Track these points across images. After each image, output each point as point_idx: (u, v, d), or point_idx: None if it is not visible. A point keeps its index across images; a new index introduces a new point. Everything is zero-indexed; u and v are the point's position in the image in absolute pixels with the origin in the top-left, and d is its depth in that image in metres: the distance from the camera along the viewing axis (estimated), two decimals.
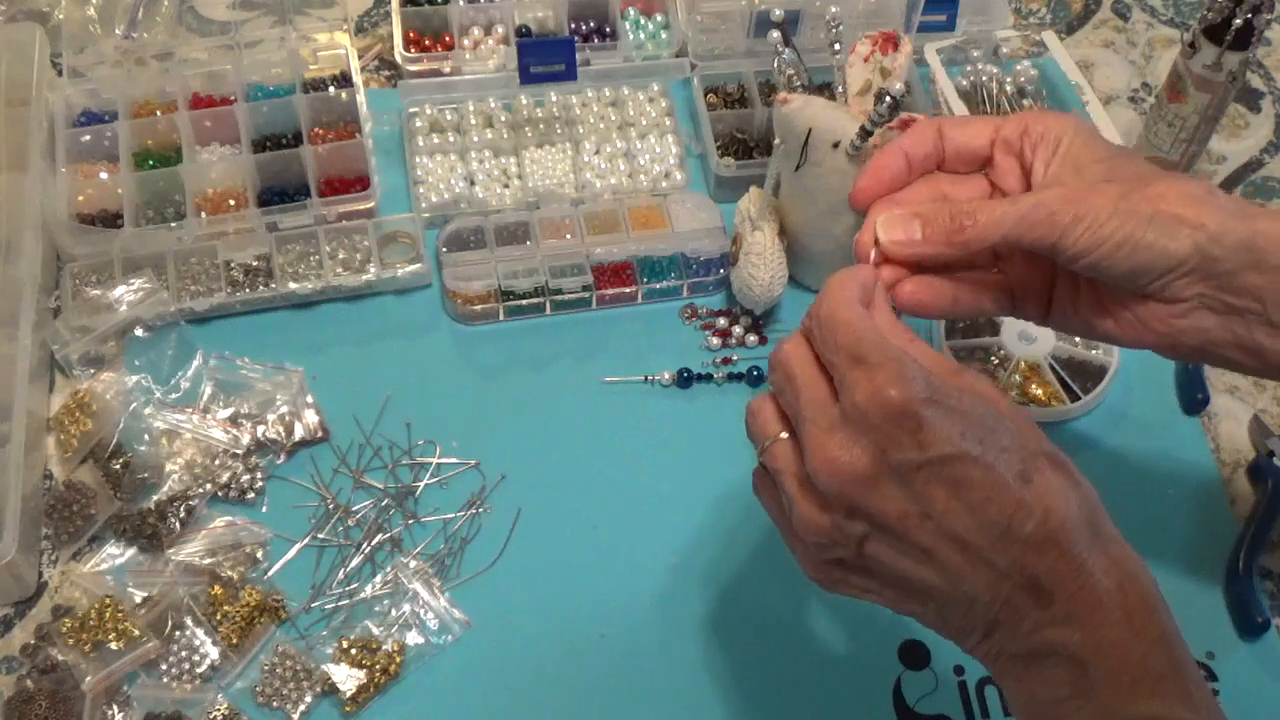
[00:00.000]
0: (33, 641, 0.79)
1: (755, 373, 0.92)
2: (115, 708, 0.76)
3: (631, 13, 1.09)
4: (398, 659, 0.78)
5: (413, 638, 0.80)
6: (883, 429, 0.54)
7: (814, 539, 0.58)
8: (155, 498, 0.84)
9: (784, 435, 0.60)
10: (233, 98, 0.99)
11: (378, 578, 0.82)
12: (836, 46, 0.91)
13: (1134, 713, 0.53)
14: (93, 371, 0.89)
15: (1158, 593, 0.56)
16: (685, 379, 0.91)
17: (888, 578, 0.57)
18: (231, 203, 0.96)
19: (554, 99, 1.03)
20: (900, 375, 0.55)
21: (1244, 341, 0.65)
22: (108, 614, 0.78)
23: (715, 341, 0.94)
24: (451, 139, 1.01)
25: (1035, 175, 0.67)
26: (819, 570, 0.60)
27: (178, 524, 0.83)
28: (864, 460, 0.55)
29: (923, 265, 0.67)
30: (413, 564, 0.83)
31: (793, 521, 0.59)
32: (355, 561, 0.83)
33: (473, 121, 1.02)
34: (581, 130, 1.02)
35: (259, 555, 0.83)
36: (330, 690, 0.78)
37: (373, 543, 0.84)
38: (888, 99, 0.81)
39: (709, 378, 0.92)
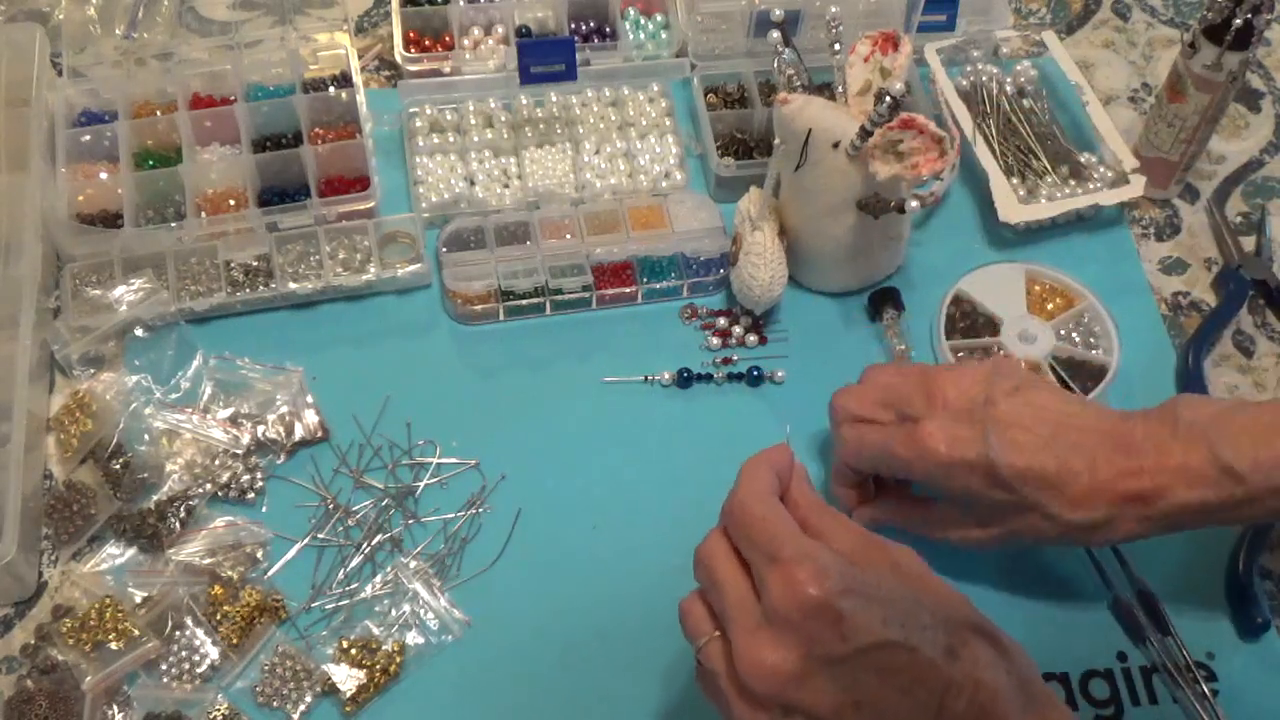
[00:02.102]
0: (33, 641, 0.79)
1: (755, 373, 0.92)
2: (115, 708, 0.76)
3: (631, 13, 1.09)
4: (398, 659, 0.78)
5: (413, 638, 0.80)
6: (804, 626, 0.55)
7: None
8: (155, 498, 0.84)
9: (716, 634, 0.61)
10: (233, 98, 0.99)
11: (378, 578, 0.82)
12: (836, 46, 0.91)
13: None
14: (93, 371, 0.89)
15: None
16: (685, 379, 0.91)
17: None
18: (231, 203, 0.96)
19: (554, 99, 1.03)
20: (816, 571, 0.56)
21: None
22: (108, 614, 0.78)
23: (715, 341, 0.94)
24: (451, 139, 1.01)
25: None
26: None
27: (178, 524, 0.83)
28: (790, 659, 0.56)
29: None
30: (413, 564, 0.83)
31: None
32: (355, 561, 0.83)
33: (473, 121, 1.02)
34: (581, 130, 1.02)
35: (259, 555, 0.83)
36: (330, 690, 0.78)
37: (373, 543, 0.84)
38: (888, 99, 0.81)
39: (709, 378, 0.92)
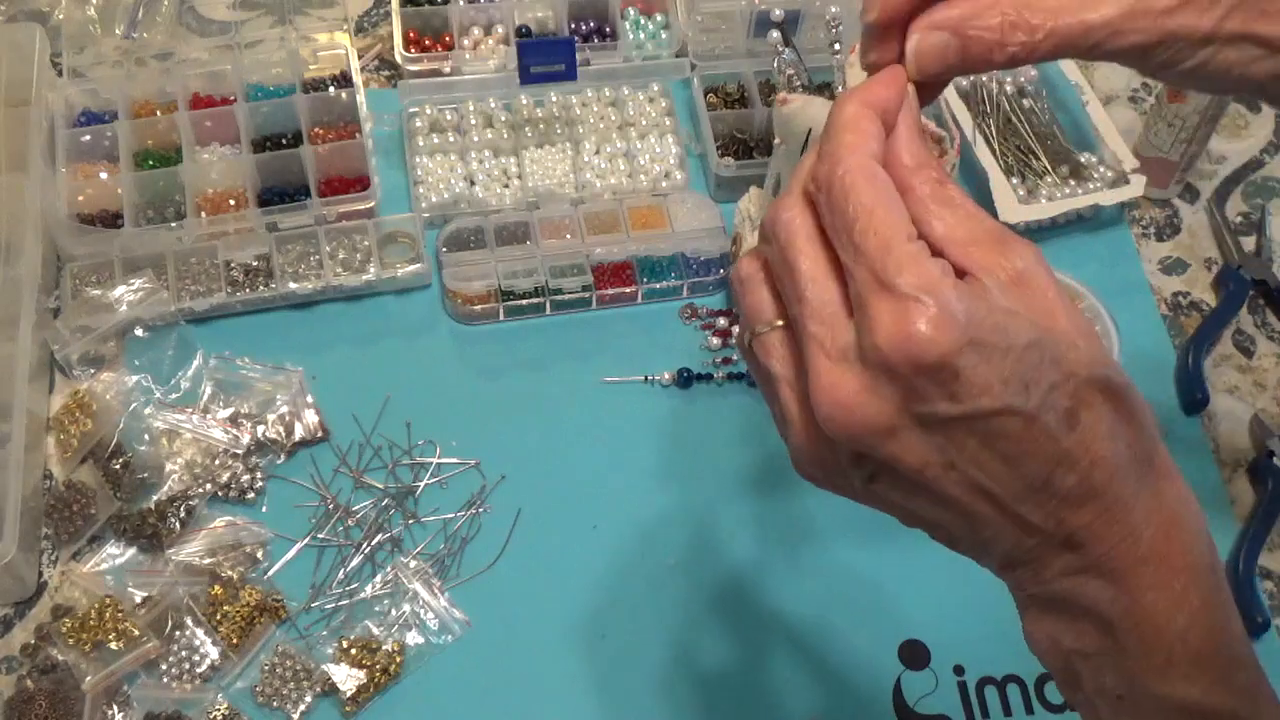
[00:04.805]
0: (33, 641, 0.79)
1: None
2: (115, 708, 0.76)
3: (631, 13, 1.09)
4: (398, 659, 0.78)
5: (413, 638, 0.80)
6: (910, 381, 0.43)
7: (811, 470, 0.49)
8: (155, 498, 0.84)
9: (780, 324, 0.48)
10: (233, 98, 0.99)
11: (378, 578, 0.82)
12: (836, 46, 0.91)
13: (1164, 693, 0.47)
14: (93, 371, 0.89)
15: (1207, 547, 0.48)
16: (685, 379, 0.91)
17: (895, 508, 0.49)
18: (231, 203, 0.96)
19: (554, 99, 1.03)
20: (939, 319, 0.43)
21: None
22: (108, 614, 0.78)
23: (715, 341, 0.94)
24: (451, 139, 1.01)
25: None
26: (815, 479, 0.50)
27: (178, 524, 0.83)
28: (883, 411, 0.44)
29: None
30: (413, 564, 0.83)
31: (787, 442, 0.49)
32: (355, 561, 0.83)
33: (473, 121, 1.02)
34: (581, 130, 1.02)
35: (259, 555, 0.83)
36: (330, 690, 0.78)
37: (373, 543, 0.84)
38: None
39: (709, 378, 0.92)
